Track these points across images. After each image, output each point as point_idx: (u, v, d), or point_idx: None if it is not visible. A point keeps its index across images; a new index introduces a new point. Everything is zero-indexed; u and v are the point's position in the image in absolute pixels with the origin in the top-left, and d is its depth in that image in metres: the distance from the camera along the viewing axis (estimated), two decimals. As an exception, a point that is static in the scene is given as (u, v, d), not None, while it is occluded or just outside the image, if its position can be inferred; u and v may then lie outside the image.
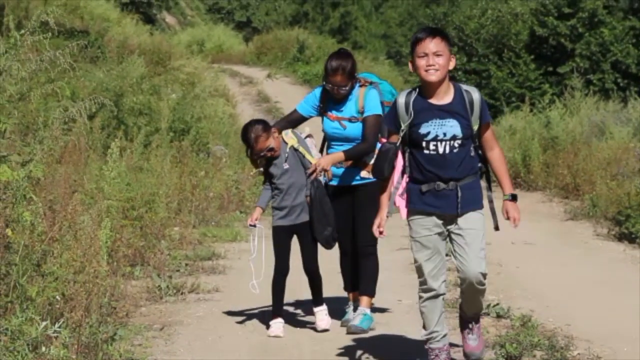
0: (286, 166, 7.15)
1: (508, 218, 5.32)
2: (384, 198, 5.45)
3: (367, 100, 7.10)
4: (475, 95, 5.36)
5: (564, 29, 41.20)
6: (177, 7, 68.59)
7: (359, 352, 6.52)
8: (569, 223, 12.51)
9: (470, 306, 5.52)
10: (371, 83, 7.28)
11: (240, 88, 30.89)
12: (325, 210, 7.08)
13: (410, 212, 5.35)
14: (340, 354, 6.51)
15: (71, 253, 6.71)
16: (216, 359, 6.42)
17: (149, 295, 8.21)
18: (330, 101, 7.31)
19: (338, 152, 7.07)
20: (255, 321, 7.37)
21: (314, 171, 6.97)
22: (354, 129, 7.14)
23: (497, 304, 7.53)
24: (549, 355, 6.16)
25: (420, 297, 5.34)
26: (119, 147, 10.50)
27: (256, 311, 7.47)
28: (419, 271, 5.30)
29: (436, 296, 5.28)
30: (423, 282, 5.28)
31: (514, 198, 5.33)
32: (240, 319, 7.54)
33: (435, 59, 5.13)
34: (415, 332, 5.74)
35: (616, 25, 42.44)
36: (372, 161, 6.66)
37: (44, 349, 5.30)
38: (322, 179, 7.14)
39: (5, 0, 16.79)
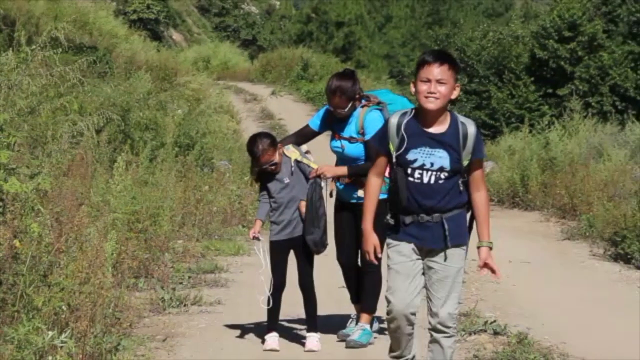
0: (287, 180, 7.12)
1: (483, 266, 4.98)
2: (369, 221, 5.16)
3: (366, 122, 7.07)
4: (471, 128, 4.96)
5: (564, 52, 41.36)
6: (184, 25, 68.87)
7: None
8: (566, 243, 12.48)
9: (436, 353, 5.01)
10: (378, 103, 7.21)
11: (244, 105, 30.97)
12: (319, 213, 7.05)
13: (389, 241, 5.06)
14: None
15: (77, 264, 6.73)
16: None
17: (153, 306, 8.20)
18: (335, 120, 7.32)
19: (342, 167, 7.12)
20: (256, 334, 7.34)
21: (316, 174, 7.04)
22: (353, 149, 7.16)
23: (494, 321, 7.49)
24: None
25: (387, 322, 5.10)
26: (125, 161, 10.53)
27: (257, 324, 7.44)
28: (391, 296, 4.95)
29: (403, 321, 4.92)
30: (391, 306, 4.93)
31: (491, 247, 4.96)
32: (241, 331, 7.52)
33: (437, 86, 4.81)
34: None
35: (615, 50, 42.60)
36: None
37: (50, 358, 5.32)
38: (323, 184, 7.12)
39: (16, 16, 16.82)
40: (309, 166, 7.18)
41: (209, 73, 34.89)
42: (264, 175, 7.20)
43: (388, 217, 5.01)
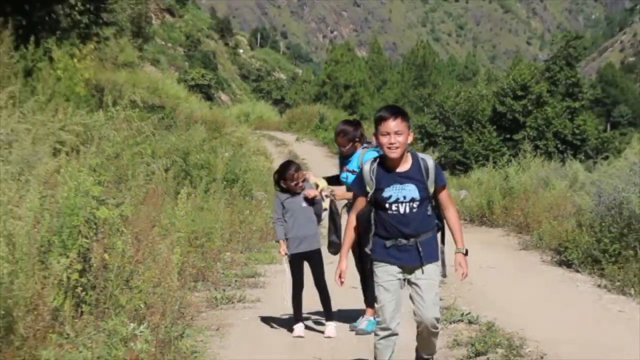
0: (304, 204, 7.13)
1: (462, 273, 4.87)
2: (344, 251, 5.13)
3: (364, 159, 6.94)
4: (430, 162, 4.81)
5: (517, 107, 41.85)
6: (230, 88, 69.31)
7: (363, 349, 6.48)
8: (522, 252, 12.43)
9: (424, 347, 5.01)
10: (376, 146, 7.16)
11: (275, 148, 30.95)
12: (336, 223, 7.16)
13: (375, 261, 4.86)
14: (348, 350, 6.53)
15: (151, 272, 6.74)
16: (258, 353, 6.43)
17: (208, 303, 8.22)
18: (343, 157, 7.41)
19: (349, 192, 6.99)
20: (286, 324, 7.35)
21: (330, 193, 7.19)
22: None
23: (469, 313, 7.52)
24: (507, 352, 6.19)
25: (376, 335, 4.86)
26: (186, 193, 10.56)
27: (287, 317, 7.43)
28: (381, 312, 4.78)
29: (391, 335, 4.76)
30: (382, 322, 4.76)
31: (466, 253, 4.88)
32: (275, 322, 7.54)
33: (396, 137, 4.66)
34: (411, 334, 5.34)
35: (556, 105, 43.09)
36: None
37: (132, 344, 5.32)
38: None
39: (105, 84, 16.92)
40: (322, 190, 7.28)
41: (248, 124, 34.91)
42: (286, 197, 7.17)
43: (374, 239, 4.86)
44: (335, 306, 7.22)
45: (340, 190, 7.26)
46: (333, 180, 7.52)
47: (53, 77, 13.79)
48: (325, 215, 7.26)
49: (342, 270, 4.96)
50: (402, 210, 4.69)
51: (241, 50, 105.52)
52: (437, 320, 4.81)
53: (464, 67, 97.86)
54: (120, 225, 6.91)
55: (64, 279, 5.21)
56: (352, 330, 7.11)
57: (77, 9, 16.36)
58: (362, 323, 7.11)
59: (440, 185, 4.82)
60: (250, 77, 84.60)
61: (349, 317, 7.35)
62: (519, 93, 43.56)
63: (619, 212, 10.23)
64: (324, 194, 7.26)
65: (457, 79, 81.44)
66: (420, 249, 4.69)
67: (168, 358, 5.56)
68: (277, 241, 7.38)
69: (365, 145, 7.27)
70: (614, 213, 10.36)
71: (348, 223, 5.06)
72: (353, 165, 7.19)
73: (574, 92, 45.99)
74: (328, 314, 7.13)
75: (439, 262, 4.86)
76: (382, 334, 4.76)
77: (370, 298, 7.04)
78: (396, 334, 4.77)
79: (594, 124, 49.00)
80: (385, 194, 4.71)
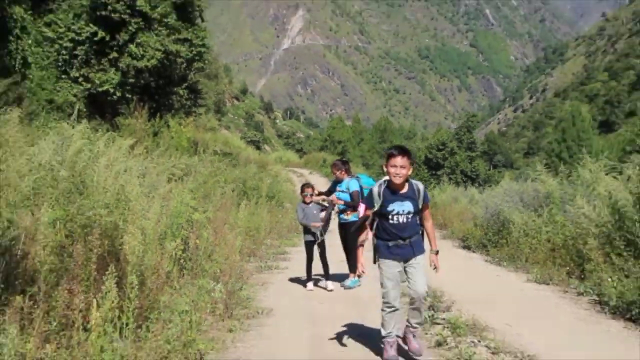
0: (315, 212, 7.08)
1: (434, 267, 4.31)
2: (360, 253, 4.40)
3: (350, 183, 6.99)
4: (421, 186, 4.23)
5: (439, 155, 41.85)
6: (270, 143, 69.25)
7: (349, 297, 6.47)
8: (443, 241, 12.30)
9: (415, 316, 4.24)
10: (357, 177, 7.14)
11: (297, 178, 30.79)
12: (328, 220, 7.05)
13: (381, 259, 4.20)
14: (339, 297, 6.47)
15: (223, 251, 6.76)
16: (285, 298, 6.38)
17: (256, 270, 8.19)
18: (336, 181, 7.27)
19: (339, 200, 7.03)
20: (303, 282, 7.26)
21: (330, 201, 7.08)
22: (343, 196, 7.03)
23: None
24: (433, 300, 6.09)
25: (383, 310, 4.15)
26: (244, 204, 10.61)
27: (303, 278, 7.34)
28: (386, 295, 4.12)
29: (395, 310, 4.12)
30: (387, 302, 4.12)
31: (437, 253, 4.32)
32: (296, 281, 7.46)
33: (400, 169, 4.08)
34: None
35: (462, 154, 43.07)
36: (352, 216, 6.90)
37: (212, 294, 5.32)
38: (335, 208, 7.09)
39: (198, 140, 17.04)
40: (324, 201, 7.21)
41: (281, 164, 34.96)
42: (304, 206, 7.11)
43: (378, 242, 4.24)
44: (331, 272, 7.17)
45: (333, 197, 7.12)
46: (324, 192, 7.37)
47: (169, 137, 13.91)
48: (323, 214, 7.15)
49: (362, 264, 4.36)
50: (400, 220, 4.13)
51: (277, 120, 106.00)
52: (427, 292, 4.26)
53: (408, 131, 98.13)
54: (205, 223, 6.95)
55: (173, 254, 5.23)
56: (342, 286, 7.02)
57: (184, 97, 16.59)
58: (347, 282, 7.04)
59: (426, 203, 4.26)
60: (282, 136, 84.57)
61: (340, 278, 7.28)
62: (440, 147, 43.83)
63: (498, 218, 10.26)
64: (325, 202, 7.21)
65: (404, 138, 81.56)
66: (413, 246, 4.17)
67: (233, 302, 5.53)
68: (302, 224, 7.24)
69: (350, 176, 7.17)
70: (495, 218, 10.39)
71: (363, 227, 4.40)
72: (342, 187, 7.08)
73: (471, 147, 46.33)
74: (327, 276, 7.05)
75: (425, 254, 4.27)
76: (388, 310, 4.14)
77: (352, 267, 7.01)
78: (398, 309, 4.16)
79: (483, 165, 49.30)
80: (389, 208, 4.13)
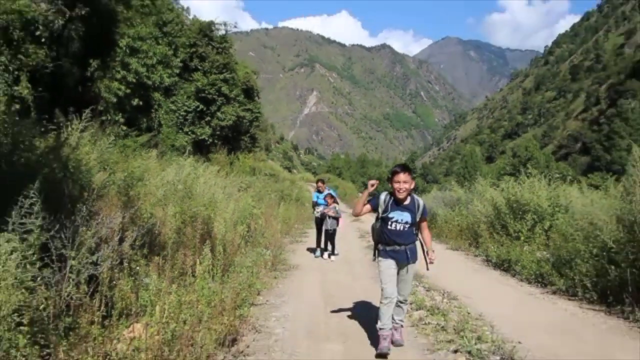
0: (331, 212, 6.39)
1: (430, 261, 3.01)
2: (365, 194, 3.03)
3: (329, 192, 6.50)
4: (421, 202, 3.00)
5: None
6: (296, 167, 68.98)
7: (345, 259, 6.22)
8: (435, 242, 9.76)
9: (399, 313, 3.02)
10: (329, 188, 6.68)
11: (312, 188, 30.31)
12: (323, 218, 6.38)
13: (380, 258, 2.96)
14: (338, 264, 6.05)
15: (270, 231, 6.66)
16: (304, 258, 6.11)
17: (289, 242, 7.87)
18: (319, 192, 6.64)
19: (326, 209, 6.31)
20: (314, 251, 6.71)
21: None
22: (322, 201, 6.52)
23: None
24: (427, 287, 4.53)
25: (382, 303, 2.89)
26: (282, 204, 10.53)
27: (313, 250, 6.78)
28: (384, 289, 2.89)
29: (391, 302, 2.87)
30: (385, 294, 2.88)
31: (432, 251, 3.02)
32: (310, 250, 6.97)
33: (403, 184, 2.90)
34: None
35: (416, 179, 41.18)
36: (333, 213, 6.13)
37: (264, 256, 5.22)
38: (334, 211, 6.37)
39: (255, 167, 16.76)
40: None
41: (303, 180, 34.69)
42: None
43: (378, 246, 3.02)
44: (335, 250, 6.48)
45: (326, 209, 6.33)
46: (314, 203, 6.63)
47: (239, 165, 14.11)
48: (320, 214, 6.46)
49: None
50: (398, 228, 2.93)
51: (301, 155, 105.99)
52: (408, 295, 3.03)
53: (378, 161, 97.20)
54: (260, 215, 6.87)
55: (241, 233, 5.20)
56: (331, 260, 6.18)
57: (247, 142, 16.97)
58: (332, 256, 6.40)
59: (424, 216, 3.02)
60: (304, 164, 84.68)
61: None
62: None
63: (430, 212, 9.78)
64: (329, 212, 6.41)
65: (375, 165, 79.18)
66: (408, 253, 2.94)
67: (276, 261, 5.45)
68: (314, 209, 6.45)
69: (327, 188, 6.58)
70: (428, 212, 9.89)
71: (358, 201, 3.08)
72: (322, 195, 6.50)
73: (414, 171, 44.54)
74: (333, 251, 6.45)
75: (418, 262, 3.03)
76: (385, 301, 2.89)
77: (332, 249, 6.40)
78: (394, 300, 2.91)
79: (420, 182, 47.03)
80: (390, 215, 2.94)
